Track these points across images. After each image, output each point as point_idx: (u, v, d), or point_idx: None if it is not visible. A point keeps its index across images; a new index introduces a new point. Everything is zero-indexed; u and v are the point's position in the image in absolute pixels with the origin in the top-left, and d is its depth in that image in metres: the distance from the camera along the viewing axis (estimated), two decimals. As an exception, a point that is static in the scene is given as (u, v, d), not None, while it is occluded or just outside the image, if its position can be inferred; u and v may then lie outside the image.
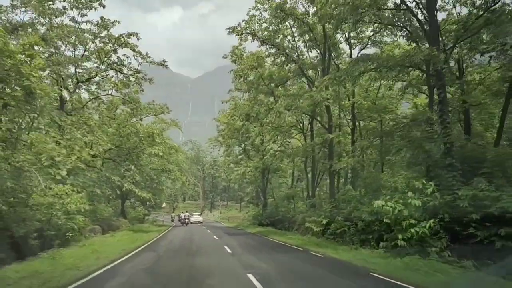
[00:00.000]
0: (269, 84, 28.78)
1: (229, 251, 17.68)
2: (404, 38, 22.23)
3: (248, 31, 28.08)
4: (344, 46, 31.78)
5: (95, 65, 33.39)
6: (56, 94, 20.11)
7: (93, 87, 36.12)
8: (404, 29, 21.17)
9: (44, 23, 27.49)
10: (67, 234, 19.56)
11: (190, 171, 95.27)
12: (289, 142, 45.18)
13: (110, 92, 36.15)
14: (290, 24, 30.80)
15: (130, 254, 16.71)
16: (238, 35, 28.17)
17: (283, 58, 28.81)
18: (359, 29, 29.20)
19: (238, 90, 44.97)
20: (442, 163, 17.50)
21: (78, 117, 28.90)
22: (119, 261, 14.39)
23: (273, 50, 29.18)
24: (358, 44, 31.18)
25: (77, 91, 33.80)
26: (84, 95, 37.42)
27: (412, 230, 13.67)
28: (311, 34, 28.92)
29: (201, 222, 62.22)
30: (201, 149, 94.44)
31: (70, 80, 31.55)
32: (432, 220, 13.72)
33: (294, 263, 14.16)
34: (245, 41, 30.42)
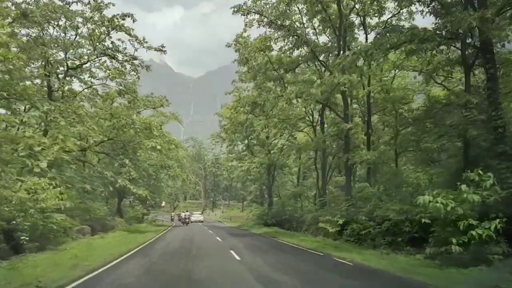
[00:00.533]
0: (278, 69, 25.72)
1: (237, 256, 14.66)
2: (432, 14, 19.15)
3: (255, 10, 25.04)
4: (359, 33, 28.86)
5: (88, 51, 30.46)
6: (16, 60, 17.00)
7: (85, 76, 33.19)
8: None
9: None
10: (48, 235, 16.69)
11: (191, 169, 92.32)
12: (295, 137, 42.18)
13: (104, 82, 33.29)
14: (299, 9, 27.87)
15: (117, 261, 13.71)
16: (244, 14, 25.17)
17: (293, 40, 25.75)
18: (375, 12, 26.29)
19: (242, 81, 41.97)
20: (492, 152, 14.51)
21: (67, 105, 25.95)
22: (99, 270, 11.38)
23: (281, 32, 26.09)
24: (374, 28, 28.17)
25: (67, 79, 30.90)
26: (76, 85, 34.55)
27: (473, 233, 10.62)
28: (324, 14, 25.89)
29: (202, 222, 60.12)
30: (202, 146, 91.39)
31: (59, 65, 28.63)
32: (498, 220, 10.67)
33: (321, 274, 11.13)
34: (250, 27, 27.48)
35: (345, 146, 25.92)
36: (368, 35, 28.62)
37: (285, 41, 26.43)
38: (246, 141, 54.46)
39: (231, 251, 16.25)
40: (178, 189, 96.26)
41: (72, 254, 14.43)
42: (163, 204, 63.69)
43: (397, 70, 30.78)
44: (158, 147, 29.00)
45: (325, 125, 34.08)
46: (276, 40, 26.20)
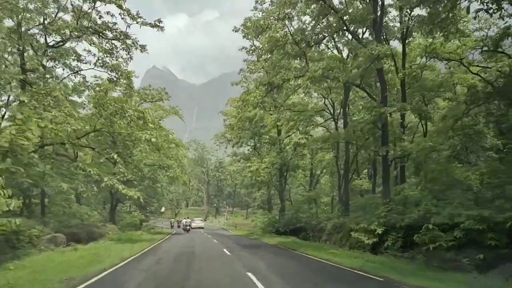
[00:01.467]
0: (299, 42, 20.62)
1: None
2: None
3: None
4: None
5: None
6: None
7: (70, 60, 28.28)
8: None
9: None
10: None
11: (194, 174, 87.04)
12: (311, 135, 37.00)
13: (92, 67, 28.36)
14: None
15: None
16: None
17: (318, 7, 20.70)
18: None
19: (251, 71, 36.97)
20: None
21: (40, 87, 20.92)
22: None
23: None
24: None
25: (47, 61, 26.00)
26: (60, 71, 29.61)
27: None
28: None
29: (202, 228, 57.48)
30: (205, 149, 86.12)
31: (34, 39, 23.74)
32: None
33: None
34: (262, 4, 22.48)
35: (383, 136, 20.69)
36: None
37: (308, 9, 21.32)
38: (254, 140, 49.46)
39: (250, 275, 10.87)
40: (179, 194, 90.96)
41: None
42: (163, 209, 58.35)
43: (427, 58, 26.01)
44: (153, 139, 23.80)
45: (349, 117, 29.00)
46: (298, 2, 20.93)
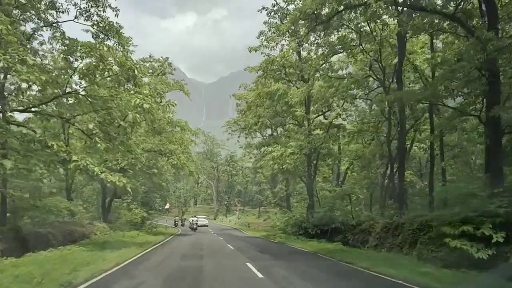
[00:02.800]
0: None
1: None
2: None
3: None
4: None
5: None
6: None
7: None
8: None
9: None
10: None
11: (202, 168, 79.89)
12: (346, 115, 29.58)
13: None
14: None
15: None
16: None
17: None
18: None
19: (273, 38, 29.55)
20: None
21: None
22: None
23: None
24: None
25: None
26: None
27: None
28: None
29: (207, 225, 53.52)
30: (215, 142, 78.75)
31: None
32: None
33: None
34: None
35: (492, 90, 13.16)
36: None
37: None
38: (271, 128, 42.11)
39: None
40: (187, 191, 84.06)
41: None
42: (168, 206, 51.21)
43: None
44: (146, 105, 16.55)
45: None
46: None
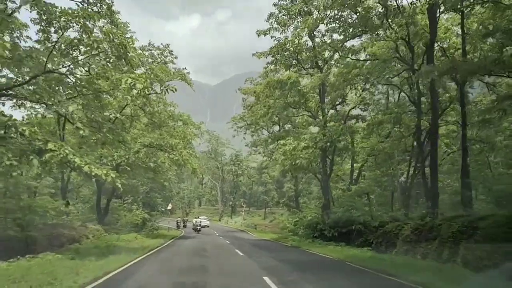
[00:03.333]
0: None
1: None
2: None
3: None
4: None
5: None
6: None
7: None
8: None
9: None
10: None
11: (207, 168, 77.08)
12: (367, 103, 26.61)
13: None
14: None
15: None
16: None
17: None
18: None
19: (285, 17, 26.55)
20: None
21: None
22: None
23: None
24: None
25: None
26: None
27: None
28: None
29: (208, 226, 51.37)
30: (220, 141, 75.76)
31: None
32: None
33: None
34: None
35: None
36: None
37: None
38: (279, 124, 39.22)
39: None
40: (191, 191, 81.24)
41: None
42: (170, 207, 48.32)
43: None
44: (139, 85, 13.66)
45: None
46: None
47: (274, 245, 25.13)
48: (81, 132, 13.15)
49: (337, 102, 25.95)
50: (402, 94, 26.09)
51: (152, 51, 29.46)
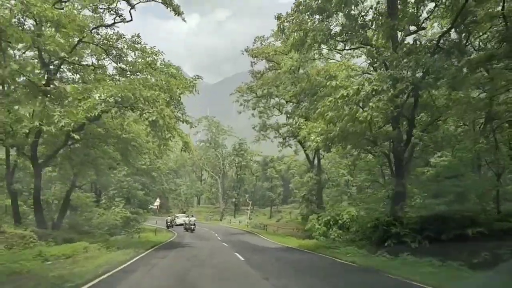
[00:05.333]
0: None
1: None
2: None
3: None
4: None
5: None
6: None
7: None
8: None
9: None
10: None
11: (206, 159, 66.46)
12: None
13: None
14: None
15: None
16: None
17: None
18: None
19: None
20: None
21: None
22: None
23: None
24: None
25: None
26: None
27: None
28: None
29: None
30: (221, 128, 64.74)
31: None
32: None
33: None
34: None
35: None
36: None
37: None
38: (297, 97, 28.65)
39: None
40: (188, 187, 70.32)
41: None
42: (157, 203, 37.63)
43: None
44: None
45: None
46: None
47: (318, 261, 14.45)
48: None
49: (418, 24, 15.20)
50: None
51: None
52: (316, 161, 36.88)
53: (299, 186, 55.26)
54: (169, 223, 41.02)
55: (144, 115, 15.94)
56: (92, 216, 28.83)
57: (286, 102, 36.71)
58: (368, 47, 16.76)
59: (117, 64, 18.37)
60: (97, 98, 15.37)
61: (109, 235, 26.84)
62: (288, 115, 35.73)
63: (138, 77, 18.48)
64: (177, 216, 47.64)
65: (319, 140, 16.48)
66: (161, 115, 15.90)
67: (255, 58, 33.54)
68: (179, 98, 18.96)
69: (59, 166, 22.27)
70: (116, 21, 17.90)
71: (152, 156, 28.90)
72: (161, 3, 18.23)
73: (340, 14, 16.96)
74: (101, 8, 17.98)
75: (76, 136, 16.25)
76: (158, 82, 17.17)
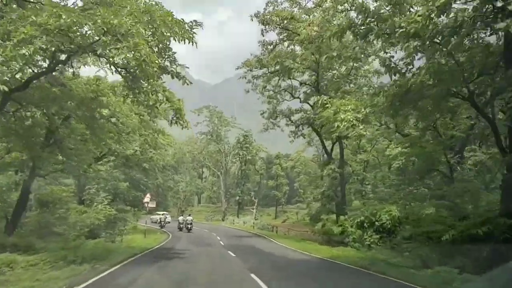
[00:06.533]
0: None
1: None
2: None
3: None
4: None
5: None
6: None
7: None
8: None
9: None
10: None
11: (207, 153, 60.45)
12: None
13: None
14: None
15: None
16: None
17: None
18: None
19: None
20: None
21: None
22: None
23: None
24: None
25: None
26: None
27: None
28: None
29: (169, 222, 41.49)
30: (223, 119, 58.52)
31: None
32: None
33: None
34: None
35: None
36: None
37: None
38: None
39: None
40: (188, 184, 64.23)
41: None
42: (147, 199, 31.59)
43: None
44: None
45: None
46: None
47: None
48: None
49: None
50: None
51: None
52: (334, 152, 30.98)
53: (306, 185, 49.50)
54: (162, 223, 35.77)
55: (109, 52, 9.87)
56: (68, 215, 22.82)
57: (300, 84, 30.88)
58: None
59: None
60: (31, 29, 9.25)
61: (90, 238, 20.95)
62: (303, 98, 29.78)
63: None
64: (158, 213, 42.63)
65: (350, 119, 11.32)
66: (135, 55, 9.87)
67: (266, 26, 27.53)
68: (168, 43, 12.79)
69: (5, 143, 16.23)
70: None
71: (140, 138, 22.86)
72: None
73: None
74: None
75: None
76: (134, 10, 11.03)
